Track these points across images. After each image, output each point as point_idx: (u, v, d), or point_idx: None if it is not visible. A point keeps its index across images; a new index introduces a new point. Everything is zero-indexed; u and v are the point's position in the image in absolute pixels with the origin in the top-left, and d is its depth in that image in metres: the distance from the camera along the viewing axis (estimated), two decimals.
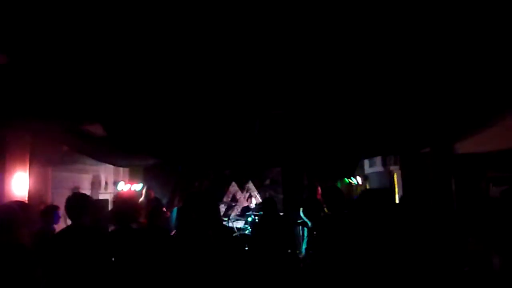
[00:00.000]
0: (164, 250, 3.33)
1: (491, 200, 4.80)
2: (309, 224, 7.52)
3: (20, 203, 3.46)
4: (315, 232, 6.84)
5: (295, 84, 4.15)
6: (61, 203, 4.95)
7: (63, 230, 3.11)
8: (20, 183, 4.77)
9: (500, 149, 4.76)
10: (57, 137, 5.23)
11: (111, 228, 3.68)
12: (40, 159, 5.16)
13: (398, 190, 7.65)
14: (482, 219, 4.80)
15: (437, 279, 3.33)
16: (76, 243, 2.95)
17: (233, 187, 10.83)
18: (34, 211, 4.53)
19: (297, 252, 7.39)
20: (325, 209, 6.48)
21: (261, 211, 5.57)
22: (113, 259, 3.22)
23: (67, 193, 6.03)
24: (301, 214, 7.92)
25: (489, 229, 4.04)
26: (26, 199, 4.69)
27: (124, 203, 3.65)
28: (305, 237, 7.98)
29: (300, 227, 8.33)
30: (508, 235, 3.26)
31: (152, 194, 7.91)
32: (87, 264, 2.90)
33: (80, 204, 3.16)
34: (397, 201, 7.07)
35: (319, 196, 7.30)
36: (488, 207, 4.82)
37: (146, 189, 8.03)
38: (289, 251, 4.94)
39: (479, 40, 3.06)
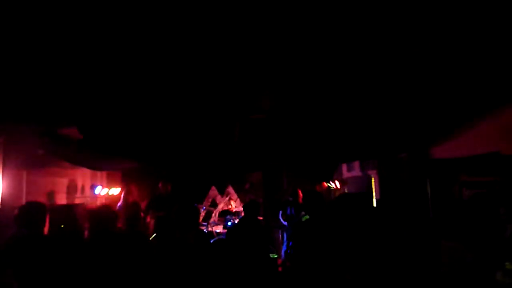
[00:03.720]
0: (144, 256, 3.30)
1: (464, 203, 4.94)
2: (287, 226, 7.57)
3: None
4: (293, 235, 6.89)
5: (275, 89, 4.18)
6: None
7: (18, 240, 3.02)
8: None
9: (471, 154, 4.91)
10: (32, 140, 5.11)
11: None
12: (14, 162, 5.03)
13: (375, 194, 7.77)
14: (456, 221, 4.94)
15: (413, 280, 3.40)
16: (32, 253, 2.87)
17: (213, 191, 10.79)
18: (8, 216, 4.41)
19: (276, 256, 7.42)
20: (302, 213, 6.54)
21: (243, 213, 5.59)
22: (83, 268, 3.13)
23: (42, 197, 5.90)
24: (280, 218, 7.97)
25: (462, 229, 4.17)
26: None
27: (100, 212, 3.56)
28: (284, 241, 8.02)
29: (280, 230, 8.38)
30: (479, 235, 3.38)
31: (131, 199, 7.78)
32: (44, 275, 2.83)
33: (35, 214, 3.08)
34: (374, 204, 7.20)
35: (301, 200, 7.38)
36: (461, 210, 4.96)
37: (125, 193, 7.90)
38: (266, 254, 4.97)
39: (454, 51, 3.16)
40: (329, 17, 2.70)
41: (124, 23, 2.69)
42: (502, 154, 4.31)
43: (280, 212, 8.03)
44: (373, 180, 7.97)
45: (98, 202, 8.37)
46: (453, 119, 4.82)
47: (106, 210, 3.52)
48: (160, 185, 7.87)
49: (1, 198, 4.60)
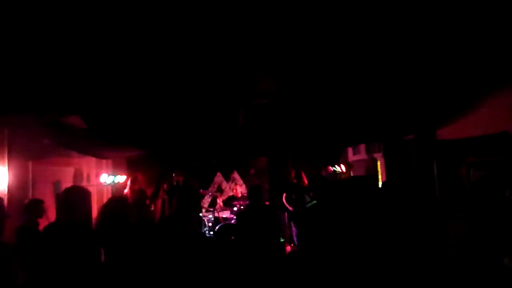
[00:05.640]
0: (152, 242, 3.31)
1: (471, 185, 4.91)
2: (290, 209, 7.59)
3: None
4: (295, 219, 6.92)
5: (279, 73, 4.13)
6: (42, 196, 4.87)
7: (53, 225, 3.02)
8: None
9: (479, 135, 4.85)
10: (37, 130, 5.11)
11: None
12: (19, 152, 5.04)
13: (382, 177, 7.75)
14: (463, 203, 4.91)
15: (421, 262, 3.39)
16: (68, 240, 2.86)
17: (219, 177, 10.83)
18: (16, 206, 4.45)
19: (282, 240, 7.46)
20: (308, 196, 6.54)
21: (248, 199, 5.61)
22: (101, 255, 3.16)
23: (48, 187, 5.93)
24: (283, 201, 7.98)
25: (469, 211, 4.14)
26: (6, 193, 4.59)
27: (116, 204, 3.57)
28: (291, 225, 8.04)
29: (286, 214, 8.41)
30: (486, 218, 3.35)
31: (137, 187, 7.86)
32: (75, 263, 2.83)
33: (75, 198, 3.08)
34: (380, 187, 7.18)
35: (305, 183, 7.38)
36: (469, 192, 4.93)
37: (131, 180, 7.96)
38: (273, 239, 4.96)
39: (458, 32, 3.09)
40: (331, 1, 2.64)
41: (124, 10, 2.65)
42: (510, 134, 4.25)
43: (284, 195, 8.04)
44: (379, 163, 7.94)
45: (116, 192, 8.47)
46: (460, 99, 4.75)
47: (124, 202, 3.52)
48: (174, 175, 8.66)
49: (8, 188, 4.62)
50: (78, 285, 2.74)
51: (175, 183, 8.60)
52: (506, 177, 4.01)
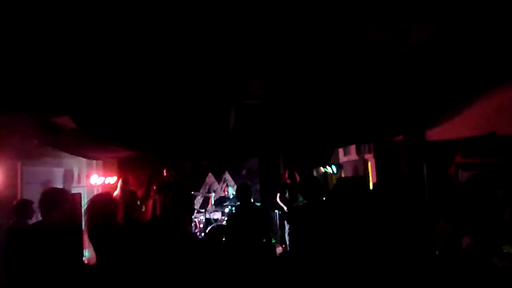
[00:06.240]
0: (141, 243, 3.30)
1: (460, 185, 4.97)
2: (285, 209, 7.62)
3: None
4: (289, 219, 6.94)
5: (270, 74, 4.15)
6: (32, 197, 4.83)
7: (32, 226, 3.02)
8: None
9: (467, 136, 4.91)
10: (26, 130, 5.06)
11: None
12: (8, 153, 4.99)
13: (372, 178, 7.80)
14: (452, 203, 4.97)
15: (409, 262, 3.43)
16: (44, 240, 2.86)
17: (210, 178, 10.81)
18: (5, 206, 4.41)
19: (274, 241, 7.47)
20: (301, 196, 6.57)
21: (237, 199, 5.61)
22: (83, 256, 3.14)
23: (38, 188, 5.88)
24: (277, 200, 8.00)
25: (458, 211, 4.19)
26: None
27: (100, 204, 3.52)
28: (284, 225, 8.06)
29: (277, 215, 8.43)
30: (475, 217, 3.40)
31: (128, 188, 7.80)
32: (52, 262, 2.81)
33: (52, 199, 3.07)
34: (371, 188, 7.23)
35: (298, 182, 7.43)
36: (458, 192, 4.99)
37: (122, 181, 7.91)
38: (264, 240, 4.97)
39: (447, 34, 3.14)
40: (321, 3, 2.67)
41: (114, 10, 2.64)
42: (498, 135, 4.31)
43: (278, 195, 8.07)
44: (369, 164, 7.99)
45: (96, 191, 8.37)
46: (448, 100, 4.81)
47: (106, 200, 3.46)
48: (164, 170, 8.29)
49: None
50: (59, 286, 2.73)
51: (166, 179, 8.44)
52: (495, 178, 4.07)
